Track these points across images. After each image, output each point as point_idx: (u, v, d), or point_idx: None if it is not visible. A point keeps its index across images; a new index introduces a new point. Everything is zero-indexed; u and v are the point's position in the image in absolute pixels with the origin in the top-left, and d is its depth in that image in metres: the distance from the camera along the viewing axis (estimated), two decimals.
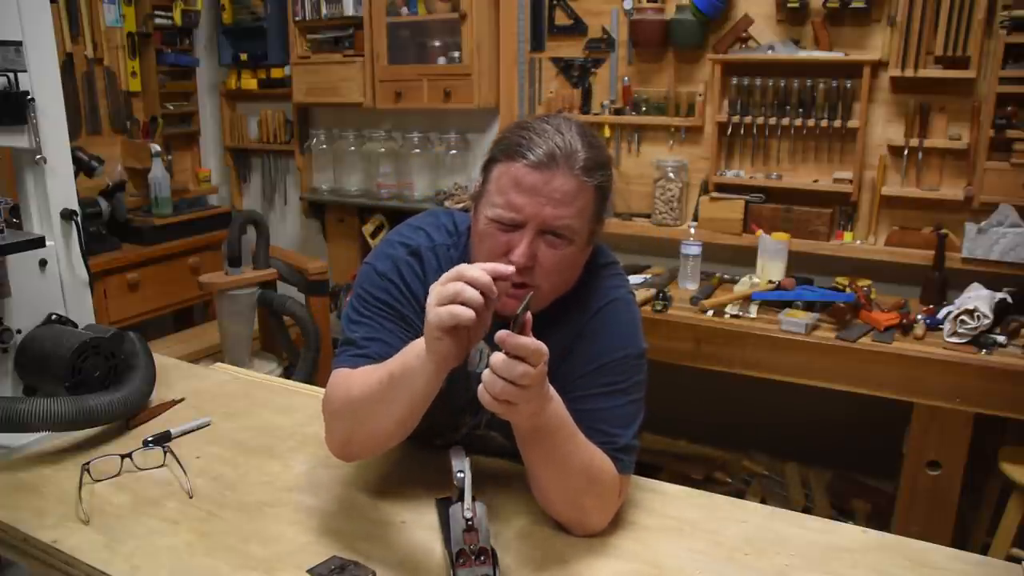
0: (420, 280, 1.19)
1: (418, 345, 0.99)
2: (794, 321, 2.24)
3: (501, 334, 0.90)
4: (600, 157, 1.11)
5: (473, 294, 0.91)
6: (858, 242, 2.59)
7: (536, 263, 1.08)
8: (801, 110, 2.57)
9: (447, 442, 1.31)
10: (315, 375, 2.77)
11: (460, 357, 0.97)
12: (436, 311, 0.92)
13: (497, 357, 0.91)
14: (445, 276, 0.94)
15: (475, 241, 1.15)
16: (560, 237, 1.09)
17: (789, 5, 2.52)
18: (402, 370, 1.01)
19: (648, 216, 2.89)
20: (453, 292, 0.92)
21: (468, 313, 0.90)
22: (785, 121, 2.59)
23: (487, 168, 1.13)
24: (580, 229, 1.10)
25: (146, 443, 1.34)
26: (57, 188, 1.55)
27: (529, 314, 0.92)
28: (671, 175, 2.80)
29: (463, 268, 0.93)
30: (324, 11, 3.34)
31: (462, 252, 1.22)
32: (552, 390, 1.02)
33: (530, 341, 0.90)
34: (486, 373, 0.93)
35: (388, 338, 1.15)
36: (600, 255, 1.25)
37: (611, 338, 1.16)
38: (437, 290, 0.94)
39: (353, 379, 1.10)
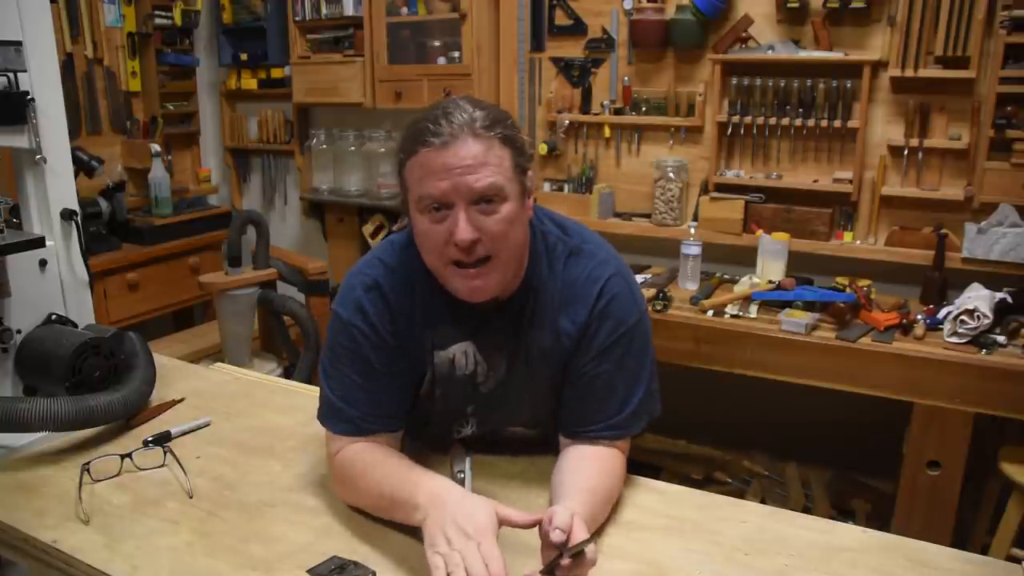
0: (384, 312, 1.20)
1: (419, 502, 1.05)
2: (794, 321, 2.24)
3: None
4: (496, 114, 1.12)
5: None
6: (858, 242, 2.59)
7: (483, 233, 1.09)
8: (801, 110, 2.56)
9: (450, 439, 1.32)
10: (315, 375, 2.77)
11: None
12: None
13: None
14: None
15: (420, 246, 1.15)
16: (491, 201, 1.09)
17: (789, 5, 2.52)
18: (400, 513, 1.10)
19: (648, 216, 2.89)
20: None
21: None
22: (785, 121, 2.58)
23: (400, 174, 1.14)
24: (507, 184, 1.10)
25: (146, 443, 1.34)
26: (57, 188, 1.55)
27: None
28: (671, 175, 2.80)
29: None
30: (324, 11, 3.34)
31: (409, 269, 1.21)
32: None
33: None
34: None
35: (359, 393, 1.20)
36: (561, 245, 1.24)
37: (611, 323, 1.20)
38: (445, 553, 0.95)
39: (355, 467, 1.18)
